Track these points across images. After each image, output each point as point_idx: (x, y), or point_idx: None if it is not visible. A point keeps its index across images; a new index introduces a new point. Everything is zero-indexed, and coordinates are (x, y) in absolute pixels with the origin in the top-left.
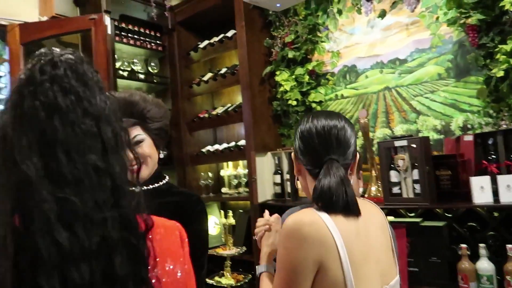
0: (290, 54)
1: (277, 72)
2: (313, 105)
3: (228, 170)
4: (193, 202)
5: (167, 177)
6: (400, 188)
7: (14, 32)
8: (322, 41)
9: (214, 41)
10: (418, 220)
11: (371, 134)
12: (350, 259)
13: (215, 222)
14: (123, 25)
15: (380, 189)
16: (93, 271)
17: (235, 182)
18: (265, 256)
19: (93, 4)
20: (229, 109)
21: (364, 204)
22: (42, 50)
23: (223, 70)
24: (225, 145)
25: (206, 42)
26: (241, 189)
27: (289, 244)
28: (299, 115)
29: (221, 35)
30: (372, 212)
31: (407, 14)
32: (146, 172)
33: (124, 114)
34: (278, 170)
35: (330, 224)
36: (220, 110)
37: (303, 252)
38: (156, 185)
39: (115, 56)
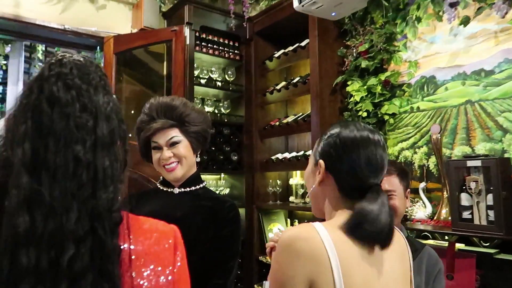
0: (363, 64)
1: (349, 82)
2: (386, 117)
3: (296, 178)
4: (226, 208)
5: (204, 182)
6: (472, 213)
7: (109, 43)
8: (399, 50)
9: (288, 51)
10: (492, 251)
11: (447, 152)
12: (346, 284)
13: (280, 229)
14: (204, 35)
15: None
16: (40, 257)
17: (301, 191)
18: None
19: (178, 16)
20: (299, 118)
21: None
22: (59, 52)
23: (296, 79)
24: (294, 154)
25: (281, 51)
26: (308, 199)
27: (280, 258)
28: None
29: (296, 45)
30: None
31: (496, 20)
32: (180, 172)
33: (165, 116)
34: None
35: (328, 242)
36: (290, 119)
37: (294, 268)
38: (193, 188)
39: (194, 64)
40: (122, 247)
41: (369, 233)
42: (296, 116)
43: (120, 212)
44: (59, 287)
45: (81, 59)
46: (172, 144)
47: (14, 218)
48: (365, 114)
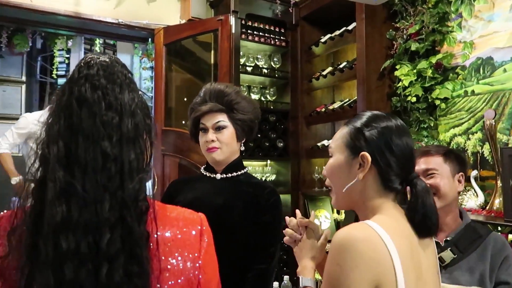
0: (413, 47)
1: (397, 66)
2: (437, 102)
3: None
4: (267, 194)
5: (246, 168)
6: None
7: (159, 34)
8: (452, 31)
9: (335, 35)
10: None
11: (504, 138)
12: (406, 282)
13: (326, 217)
14: (250, 23)
15: None
16: (79, 242)
17: None
18: (312, 270)
19: (225, 5)
20: (345, 104)
21: None
22: (88, 54)
23: (343, 65)
24: None
25: (327, 36)
26: None
27: (342, 262)
28: (420, 113)
29: (343, 29)
30: None
31: None
32: (220, 155)
33: (216, 101)
34: None
35: (388, 241)
36: (336, 105)
37: (359, 272)
38: (234, 174)
39: (240, 52)
40: (149, 233)
41: (430, 225)
42: (342, 102)
43: (147, 201)
44: (101, 268)
45: (107, 59)
46: (218, 128)
47: (52, 208)
48: (414, 99)
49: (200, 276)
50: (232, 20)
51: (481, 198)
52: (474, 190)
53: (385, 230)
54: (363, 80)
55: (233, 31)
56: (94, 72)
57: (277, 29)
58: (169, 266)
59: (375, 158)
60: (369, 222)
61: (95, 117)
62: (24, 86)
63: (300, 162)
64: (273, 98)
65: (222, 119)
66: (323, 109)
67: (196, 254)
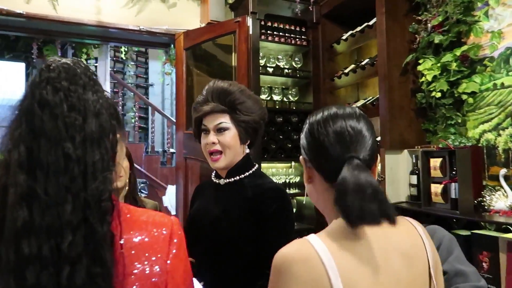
0: (437, 39)
1: (420, 61)
2: (464, 96)
3: None
4: (268, 200)
5: (253, 168)
6: None
7: (180, 39)
8: (479, 20)
9: (356, 32)
10: None
11: None
12: None
13: None
14: (269, 23)
15: None
16: (41, 246)
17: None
18: None
19: (243, 7)
20: (367, 102)
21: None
22: (50, 58)
23: (365, 61)
24: None
25: (349, 33)
26: None
27: (276, 284)
28: (446, 109)
29: (364, 24)
30: (402, 235)
31: None
32: (223, 162)
33: (218, 100)
34: (415, 170)
35: (327, 260)
36: (359, 103)
37: None
38: (238, 178)
39: (260, 53)
40: (114, 235)
41: (357, 205)
42: (365, 101)
43: (111, 201)
44: (62, 271)
45: (69, 62)
46: (219, 130)
47: (13, 213)
48: (439, 95)
49: (168, 281)
50: (250, 21)
51: (511, 198)
52: (504, 190)
53: (328, 245)
54: (384, 76)
55: (251, 32)
56: (55, 74)
57: (297, 28)
58: (135, 271)
59: (309, 158)
60: (310, 237)
61: (57, 119)
62: None
63: None
64: (295, 98)
65: (224, 120)
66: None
67: (164, 259)
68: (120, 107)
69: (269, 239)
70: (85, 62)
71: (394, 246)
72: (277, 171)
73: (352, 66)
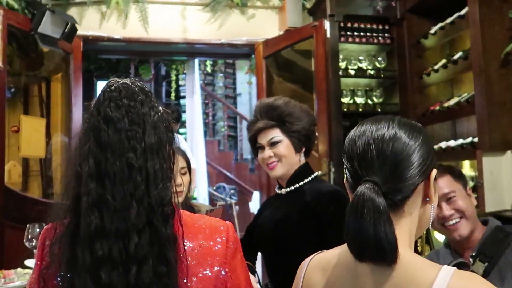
0: None
1: None
2: None
3: (464, 170)
4: (325, 202)
5: (313, 175)
6: None
7: (259, 49)
8: None
9: (445, 24)
10: None
11: None
12: None
13: None
14: (349, 24)
15: None
16: (111, 248)
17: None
18: None
19: (322, 11)
20: (462, 99)
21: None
22: (111, 79)
23: (457, 55)
24: (460, 141)
25: (438, 26)
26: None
27: None
28: None
29: (455, 15)
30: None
31: None
32: (280, 170)
33: (267, 117)
34: None
35: (304, 275)
36: (453, 101)
37: None
38: (297, 185)
39: (340, 56)
40: (177, 237)
41: (350, 232)
42: (460, 98)
43: (172, 206)
44: (130, 271)
45: (127, 81)
46: (273, 144)
47: (87, 219)
48: None
49: (228, 283)
50: (327, 24)
51: None
52: None
53: (317, 260)
54: (480, 70)
55: (328, 35)
56: (116, 94)
57: (379, 27)
58: (197, 273)
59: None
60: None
61: (120, 133)
62: None
63: None
64: (380, 100)
65: (276, 134)
66: (438, 107)
67: (222, 261)
68: (211, 118)
69: (329, 240)
70: (175, 78)
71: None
72: None
73: (443, 61)
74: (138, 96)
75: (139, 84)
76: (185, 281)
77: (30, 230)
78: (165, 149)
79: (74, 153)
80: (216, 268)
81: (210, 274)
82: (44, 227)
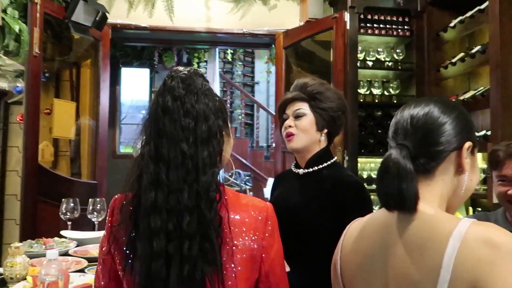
0: None
1: None
2: None
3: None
4: (345, 190)
5: (333, 159)
6: None
7: (279, 39)
8: None
9: (465, 17)
10: None
11: None
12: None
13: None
14: (369, 16)
15: None
16: (164, 222)
17: (481, 176)
18: None
19: (343, 2)
20: (477, 93)
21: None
22: (173, 69)
23: (475, 49)
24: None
25: (458, 19)
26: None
27: None
28: None
29: (476, 9)
30: (417, 225)
31: None
32: (297, 142)
33: (300, 91)
34: None
35: (350, 231)
36: (468, 94)
37: None
38: (316, 168)
39: (359, 48)
40: (222, 217)
41: (379, 187)
42: (475, 91)
43: (219, 190)
44: (184, 244)
45: (186, 72)
46: (297, 116)
47: (146, 194)
48: None
49: (263, 255)
50: (347, 16)
51: None
52: None
53: (355, 223)
54: (496, 65)
55: (348, 27)
56: (175, 84)
57: (399, 19)
58: (238, 244)
59: None
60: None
61: (175, 123)
62: None
63: None
64: (397, 91)
65: (302, 107)
66: (453, 100)
67: (260, 236)
68: (229, 105)
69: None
70: (196, 65)
71: (403, 236)
72: (376, 166)
73: (461, 54)
74: (194, 87)
75: (197, 73)
76: (228, 247)
77: (64, 205)
78: (215, 138)
79: (140, 135)
80: (254, 242)
81: (247, 245)
82: (113, 198)
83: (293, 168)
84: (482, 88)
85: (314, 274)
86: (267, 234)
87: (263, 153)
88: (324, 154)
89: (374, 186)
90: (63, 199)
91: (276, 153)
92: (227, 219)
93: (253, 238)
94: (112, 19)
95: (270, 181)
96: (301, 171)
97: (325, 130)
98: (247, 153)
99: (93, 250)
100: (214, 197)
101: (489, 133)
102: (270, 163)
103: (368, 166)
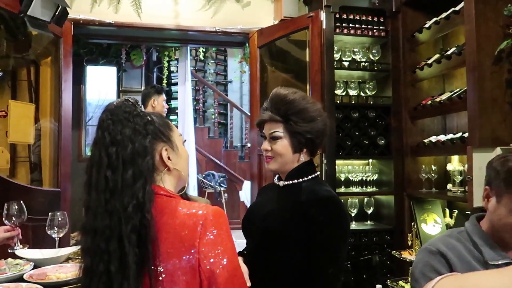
0: None
1: None
2: None
3: (453, 164)
4: (318, 208)
5: (312, 175)
6: None
7: (253, 37)
8: None
9: (440, 19)
10: None
11: None
12: None
13: (435, 221)
14: (344, 16)
15: None
16: (94, 243)
17: (458, 178)
18: None
19: (318, 1)
20: (454, 95)
21: None
22: (109, 103)
23: (451, 51)
24: (450, 136)
25: (433, 20)
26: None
27: None
28: None
29: (450, 10)
30: None
31: None
32: (273, 166)
33: (275, 109)
34: None
35: None
36: (444, 96)
37: None
38: (296, 181)
39: (335, 48)
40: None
41: None
42: (452, 93)
43: (140, 210)
44: (104, 262)
45: (115, 103)
46: (273, 138)
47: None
48: None
49: (201, 262)
50: (323, 15)
51: None
52: None
53: None
54: (473, 66)
55: (324, 26)
56: (104, 117)
57: (375, 19)
58: (169, 250)
59: None
60: None
61: (100, 151)
62: None
63: (405, 161)
64: (373, 92)
65: (278, 129)
66: (430, 102)
67: (195, 244)
68: (201, 104)
69: (319, 245)
70: (167, 64)
71: None
72: (353, 168)
73: (436, 56)
74: (121, 116)
75: (127, 102)
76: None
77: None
78: (140, 158)
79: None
80: (188, 248)
81: (179, 250)
82: None
83: (275, 180)
84: (458, 89)
85: (282, 284)
86: (204, 241)
87: (238, 153)
88: (306, 168)
89: (351, 189)
90: (5, 203)
91: (252, 155)
92: (154, 224)
93: (186, 245)
94: (74, 14)
95: (246, 183)
96: (281, 183)
97: (304, 150)
98: (221, 153)
99: (52, 273)
100: (132, 214)
101: (466, 135)
102: (245, 164)
103: (346, 168)
